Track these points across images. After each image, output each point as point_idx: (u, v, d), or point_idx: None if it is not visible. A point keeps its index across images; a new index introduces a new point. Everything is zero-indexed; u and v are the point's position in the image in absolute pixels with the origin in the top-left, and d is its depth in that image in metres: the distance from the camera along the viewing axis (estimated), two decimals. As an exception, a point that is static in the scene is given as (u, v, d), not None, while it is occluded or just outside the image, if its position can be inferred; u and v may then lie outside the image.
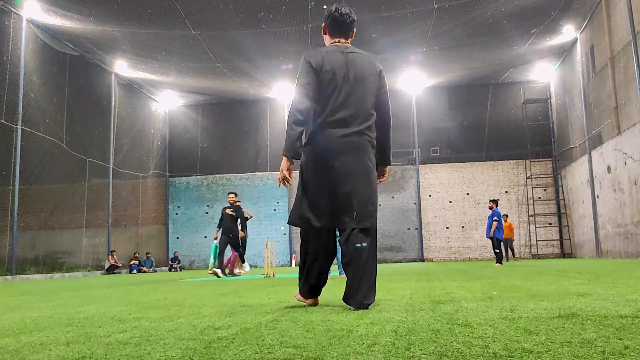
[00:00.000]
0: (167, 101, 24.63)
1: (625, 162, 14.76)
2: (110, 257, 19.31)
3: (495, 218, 13.35)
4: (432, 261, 22.13)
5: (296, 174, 3.22)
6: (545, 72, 22.27)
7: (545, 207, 22.65)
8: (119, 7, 14.94)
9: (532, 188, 22.74)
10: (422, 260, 22.57)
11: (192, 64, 19.45)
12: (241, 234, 12.04)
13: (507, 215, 18.86)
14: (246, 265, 12.34)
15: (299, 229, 3.35)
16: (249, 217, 12.90)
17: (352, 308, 3.01)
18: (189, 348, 1.88)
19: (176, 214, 24.90)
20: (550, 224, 22.48)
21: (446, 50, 19.10)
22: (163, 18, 15.52)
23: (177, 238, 24.66)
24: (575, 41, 18.73)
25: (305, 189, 3.25)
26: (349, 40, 3.41)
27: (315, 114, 3.20)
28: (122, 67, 19.91)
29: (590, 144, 17.94)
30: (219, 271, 10.99)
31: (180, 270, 22.08)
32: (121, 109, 20.91)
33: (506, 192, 22.89)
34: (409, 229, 23.21)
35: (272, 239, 20.24)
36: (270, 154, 24.49)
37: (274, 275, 10.64)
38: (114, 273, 18.84)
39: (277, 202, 24.12)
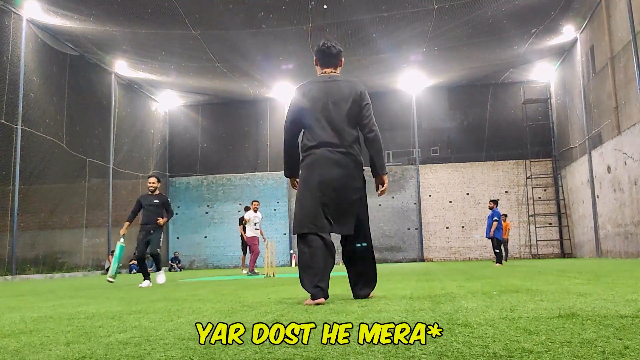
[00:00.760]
0: (167, 101, 24.62)
1: (625, 162, 14.76)
2: (110, 257, 19.29)
3: (495, 218, 13.34)
4: (432, 261, 22.12)
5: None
6: (545, 72, 22.26)
7: (545, 207, 22.64)
8: (119, 7, 14.93)
9: (532, 188, 22.73)
10: (422, 260, 22.57)
11: (192, 64, 19.44)
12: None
13: (506, 215, 18.84)
14: (162, 276, 8.80)
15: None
16: (246, 221, 12.83)
17: (359, 297, 3.71)
18: (189, 348, 1.88)
19: (176, 214, 24.87)
20: (550, 224, 22.48)
21: (446, 51, 19.08)
22: (163, 18, 15.51)
23: (178, 238, 24.66)
24: (575, 41, 18.72)
25: (301, 201, 3.68)
26: (337, 70, 3.89)
27: (304, 139, 3.74)
28: (122, 67, 19.90)
29: (590, 144, 17.93)
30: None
31: (181, 270, 22.10)
32: (121, 109, 20.89)
33: (506, 192, 22.88)
34: (409, 229, 23.21)
35: (272, 239, 20.24)
36: (270, 154, 24.47)
37: (274, 275, 10.65)
38: (114, 273, 18.80)
39: (277, 202, 24.12)
